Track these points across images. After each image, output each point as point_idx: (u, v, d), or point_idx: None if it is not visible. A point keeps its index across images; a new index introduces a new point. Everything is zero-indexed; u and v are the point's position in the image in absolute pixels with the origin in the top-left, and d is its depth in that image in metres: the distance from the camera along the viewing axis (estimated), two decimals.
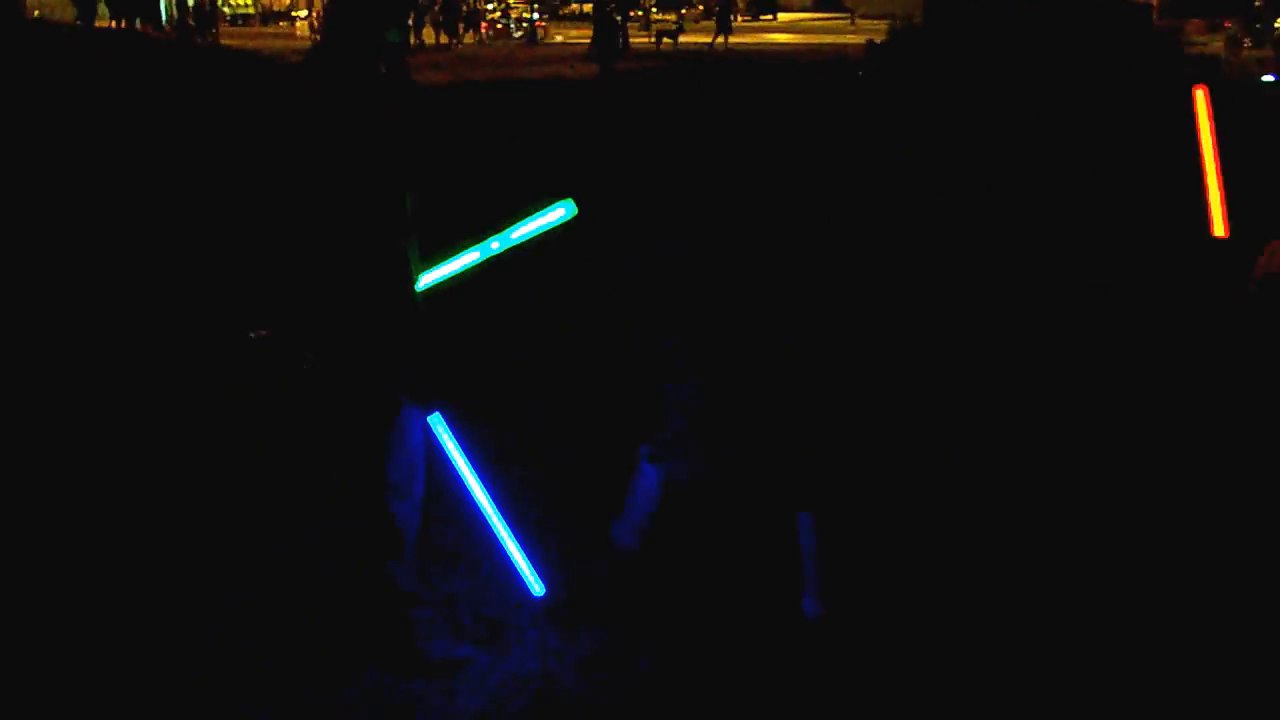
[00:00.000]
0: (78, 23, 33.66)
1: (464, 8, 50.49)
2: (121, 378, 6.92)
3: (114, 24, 34.98)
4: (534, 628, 4.51)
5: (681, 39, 44.11)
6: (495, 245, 4.40)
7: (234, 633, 4.47)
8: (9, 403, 6.56)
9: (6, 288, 8.42)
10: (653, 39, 44.70)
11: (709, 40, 42.99)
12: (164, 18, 41.68)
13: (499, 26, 52.19)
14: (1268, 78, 23.49)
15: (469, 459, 4.38)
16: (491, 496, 4.45)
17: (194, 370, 7.02)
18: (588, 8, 63.42)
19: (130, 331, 7.69)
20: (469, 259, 4.40)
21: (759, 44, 46.49)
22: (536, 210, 4.37)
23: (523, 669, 4.28)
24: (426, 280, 4.28)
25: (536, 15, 55.73)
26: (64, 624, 4.55)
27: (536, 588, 4.61)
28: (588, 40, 33.72)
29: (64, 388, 6.79)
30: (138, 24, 35.72)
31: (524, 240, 4.40)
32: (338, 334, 3.96)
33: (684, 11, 62.90)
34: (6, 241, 9.47)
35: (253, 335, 7.12)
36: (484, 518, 4.48)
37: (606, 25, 27.64)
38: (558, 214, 4.37)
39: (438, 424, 4.28)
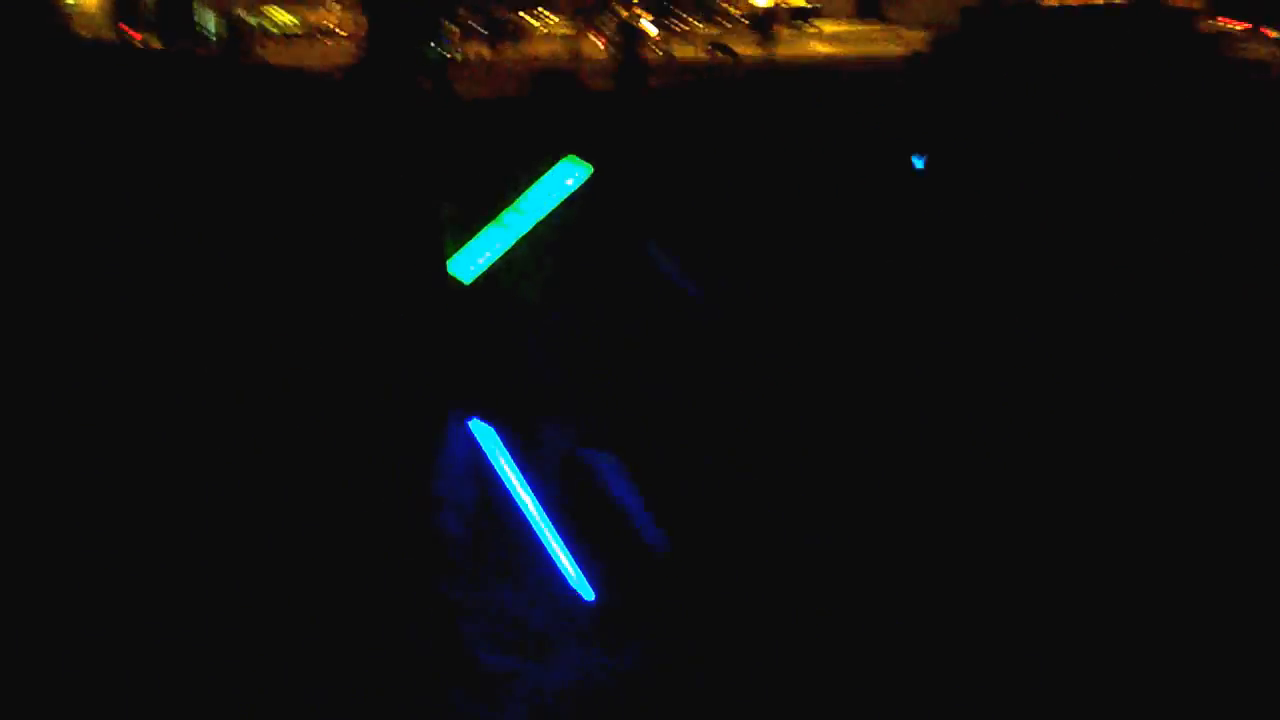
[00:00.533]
0: (119, 38, 33.98)
1: (509, 24, 50.62)
2: (142, 383, 6.99)
3: (159, 42, 35.33)
4: (580, 640, 4.50)
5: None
6: (520, 222, 4.37)
7: (278, 639, 4.49)
8: (14, 402, 6.66)
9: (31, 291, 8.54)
10: (704, 50, 44.33)
11: (757, 52, 42.85)
12: (212, 36, 42.04)
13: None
14: None
15: (517, 466, 4.38)
16: (540, 503, 4.45)
17: (223, 377, 7.08)
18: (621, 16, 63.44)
19: (164, 338, 7.76)
20: (500, 243, 4.37)
21: (801, 55, 46.38)
22: (544, 174, 4.33)
23: (568, 681, 4.28)
24: (467, 271, 4.26)
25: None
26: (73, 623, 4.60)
27: (587, 593, 4.60)
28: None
29: (72, 389, 6.87)
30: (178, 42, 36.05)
31: (548, 211, 4.37)
32: (381, 345, 3.98)
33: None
34: (46, 245, 9.59)
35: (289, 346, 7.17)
36: (531, 527, 4.48)
37: (629, 38, 27.11)
38: (573, 178, 4.34)
39: (484, 432, 4.28)
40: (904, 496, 5.69)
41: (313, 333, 7.04)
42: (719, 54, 43.76)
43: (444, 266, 4.00)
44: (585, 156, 4.39)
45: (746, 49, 45.06)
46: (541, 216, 4.36)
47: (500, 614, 4.66)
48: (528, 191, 4.37)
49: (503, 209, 4.35)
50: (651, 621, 4.59)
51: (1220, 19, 37.73)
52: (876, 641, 4.49)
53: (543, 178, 4.36)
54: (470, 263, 4.29)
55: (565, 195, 4.36)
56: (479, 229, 4.31)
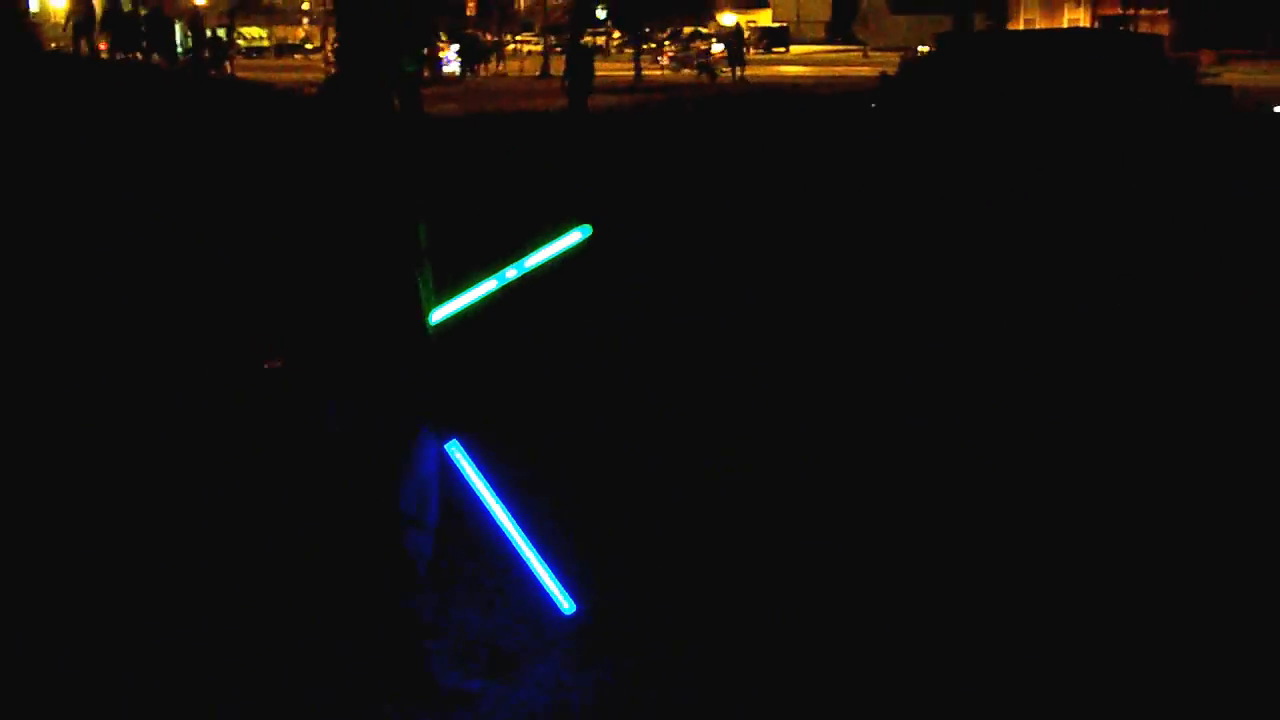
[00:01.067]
0: (88, 51, 33.76)
1: (481, 42, 50.80)
2: (131, 403, 6.95)
3: (130, 56, 35.14)
4: (548, 660, 4.46)
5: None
6: (511, 274, 4.36)
7: (240, 658, 4.45)
8: (15, 406, 6.62)
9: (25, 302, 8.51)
10: (666, 70, 44.78)
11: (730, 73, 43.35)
12: (179, 50, 41.92)
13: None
14: None
15: (490, 484, 4.34)
16: (515, 520, 4.41)
17: (203, 396, 7.04)
18: (600, 37, 63.75)
19: (142, 356, 7.73)
20: (486, 289, 4.36)
21: (773, 76, 46.68)
22: (551, 235, 4.33)
23: (534, 702, 4.23)
24: (445, 312, 4.26)
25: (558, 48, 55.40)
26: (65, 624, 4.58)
27: (566, 605, 4.56)
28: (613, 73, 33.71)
29: (71, 399, 6.86)
30: (154, 57, 35.87)
31: (540, 266, 4.37)
32: (349, 363, 3.95)
33: (700, 45, 62.87)
34: (30, 260, 9.57)
35: (266, 366, 7.13)
36: (502, 545, 4.44)
37: (580, 59, 26.98)
38: (573, 238, 4.33)
39: (456, 450, 4.24)
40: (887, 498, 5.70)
41: (284, 350, 7.00)
42: (702, 75, 44.29)
43: (415, 284, 3.97)
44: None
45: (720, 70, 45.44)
46: (526, 272, 4.36)
47: (468, 633, 4.62)
48: (530, 252, 4.36)
49: (501, 265, 4.33)
50: (624, 638, 4.55)
51: None
52: (863, 652, 4.47)
53: (548, 241, 4.35)
54: (449, 301, 4.29)
55: (558, 255, 4.36)
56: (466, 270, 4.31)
